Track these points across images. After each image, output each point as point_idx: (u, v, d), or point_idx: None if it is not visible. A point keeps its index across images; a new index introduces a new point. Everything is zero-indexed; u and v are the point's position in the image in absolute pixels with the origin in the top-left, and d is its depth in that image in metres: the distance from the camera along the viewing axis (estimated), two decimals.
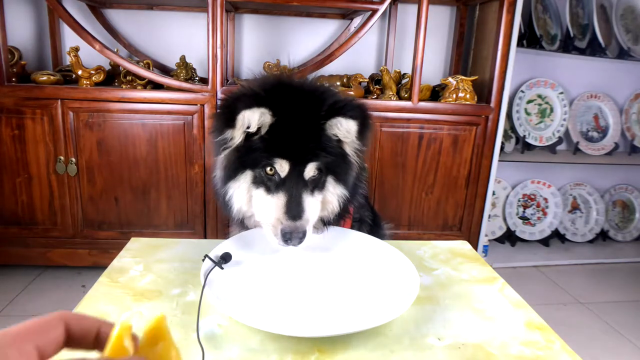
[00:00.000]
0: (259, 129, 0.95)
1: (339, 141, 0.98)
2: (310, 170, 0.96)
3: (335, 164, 0.98)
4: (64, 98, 1.90)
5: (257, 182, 0.97)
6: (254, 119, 0.91)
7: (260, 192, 0.97)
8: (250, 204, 1.00)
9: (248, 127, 0.93)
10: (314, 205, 0.97)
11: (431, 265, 0.95)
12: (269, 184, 0.96)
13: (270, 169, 0.95)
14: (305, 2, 1.97)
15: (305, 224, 0.93)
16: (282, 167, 0.94)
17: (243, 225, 1.09)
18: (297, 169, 0.94)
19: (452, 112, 2.08)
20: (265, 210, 0.96)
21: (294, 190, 0.94)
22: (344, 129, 0.94)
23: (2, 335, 0.28)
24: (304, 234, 0.92)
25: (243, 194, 0.99)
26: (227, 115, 0.93)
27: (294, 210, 0.92)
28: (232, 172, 0.98)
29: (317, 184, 0.98)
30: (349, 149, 1.00)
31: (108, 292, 0.79)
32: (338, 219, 1.10)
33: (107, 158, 1.98)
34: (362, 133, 0.97)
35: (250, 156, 0.95)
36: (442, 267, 0.94)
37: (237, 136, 0.95)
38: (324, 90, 1.04)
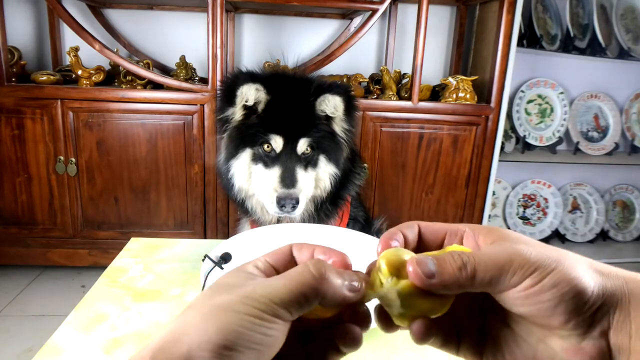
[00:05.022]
0: (256, 107, 1.06)
1: (328, 119, 1.09)
2: (302, 146, 1.07)
3: (325, 142, 1.10)
4: (63, 98, 1.90)
5: (256, 158, 1.09)
6: (250, 93, 1.03)
7: (258, 168, 1.09)
8: (250, 180, 1.11)
9: (246, 102, 1.05)
10: (307, 178, 1.09)
11: None
12: (266, 159, 1.08)
13: (267, 146, 1.07)
14: (305, 2, 1.97)
15: (298, 192, 1.05)
16: (277, 142, 1.06)
17: (244, 208, 1.19)
18: (290, 144, 1.06)
19: (452, 112, 2.08)
20: (263, 182, 1.08)
21: (288, 163, 1.06)
22: (332, 104, 1.06)
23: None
24: (297, 200, 1.04)
25: (244, 171, 1.11)
26: (227, 92, 1.06)
27: (287, 179, 1.05)
28: (233, 149, 1.10)
29: (310, 161, 1.09)
30: (337, 128, 1.11)
31: (108, 292, 0.79)
32: (335, 207, 1.17)
33: (107, 158, 1.98)
34: (348, 111, 1.09)
35: (249, 133, 1.07)
36: None
37: (237, 113, 1.07)
38: (312, 76, 1.19)
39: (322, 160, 1.12)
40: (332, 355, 0.32)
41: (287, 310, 0.28)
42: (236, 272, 0.31)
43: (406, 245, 0.35)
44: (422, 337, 0.32)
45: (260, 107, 1.06)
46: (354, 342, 0.32)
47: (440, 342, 0.34)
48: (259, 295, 0.28)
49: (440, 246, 0.35)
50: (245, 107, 1.07)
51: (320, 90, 1.06)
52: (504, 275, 0.29)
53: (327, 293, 0.29)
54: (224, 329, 0.26)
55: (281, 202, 1.03)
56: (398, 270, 0.31)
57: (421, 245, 0.35)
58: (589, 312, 0.29)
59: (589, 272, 0.30)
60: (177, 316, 0.28)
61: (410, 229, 0.35)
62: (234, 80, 1.05)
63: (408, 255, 0.32)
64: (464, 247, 0.33)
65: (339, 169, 1.14)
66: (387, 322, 0.33)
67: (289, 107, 1.06)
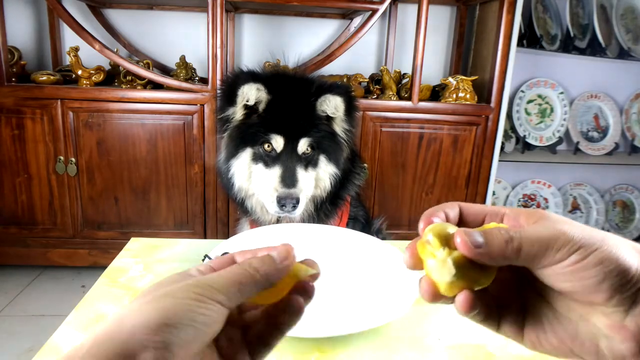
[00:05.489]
0: (257, 106, 1.07)
1: (329, 119, 1.09)
2: (302, 145, 1.07)
3: (326, 142, 1.10)
4: (63, 98, 1.90)
5: (256, 158, 1.09)
6: (251, 93, 1.03)
7: (259, 167, 1.09)
8: (250, 180, 1.12)
9: (247, 101, 1.05)
10: (307, 178, 1.09)
11: None
12: (267, 159, 1.08)
13: (268, 145, 1.07)
14: (305, 2, 1.97)
15: (298, 192, 1.05)
16: (278, 142, 1.06)
17: (244, 208, 1.19)
18: (291, 144, 1.06)
19: (452, 112, 2.08)
20: (264, 182, 1.08)
21: (288, 163, 1.06)
22: (332, 104, 1.06)
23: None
24: (297, 200, 1.04)
25: (244, 170, 1.11)
26: (227, 92, 1.06)
27: (287, 179, 1.05)
28: (233, 149, 1.11)
29: (310, 161, 1.10)
30: (338, 128, 1.11)
31: (108, 292, 0.79)
32: (334, 207, 1.17)
33: (107, 158, 1.98)
34: (349, 111, 1.10)
35: (250, 132, 1.08)
36: None
37: (237, 112, 1.08)
38: (313, 76, 1.20)
39: (323, 160, 1.12)
40: (274, 336, 0.35)
41: (225, 295, 0.30)
42: (177, 274, 0.33)
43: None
44: (467, 308, 0.33)
45: (261, 107, 1.07)
46: (298, 311, 0.35)
47: (481, 317, 0.35)
48: (199, 282, 0.31)
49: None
50: (246, 106, 1.07)
51: (321, 90, 1.06)
52: (549, 250, 0.31)
53: (262, 278, 0.32)
54: (165, 309, 0.28)
55: (282, 202, 1.04)
56: (446, 242, 0.33)
57: (461, 226, 0.36)
58: (631, 290, 0.30)
59: (632, 252, 0.31)
60: (119, 309, 0.30)
61: (452, 208, 0.37)
62: (235, 79, 1.06)
63: (453, 229, 0.33)
64: (503, 224, 0.35)
65: (339, 169, 1.14)
66: (434, 293, 0.34)
67: (289, 106, 1.06)
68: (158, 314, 0.28)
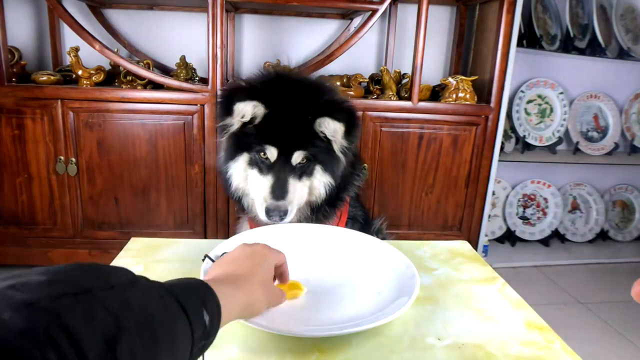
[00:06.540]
0: (253, 118, 1.07)
1: (327, 138, 1.08)
2: (296, 158, 1.07)
3: (322, 154, 1.10)
4: (64, 98, 1.90)
5: (252, 163, 1.11)
6: (247, 110, 1.04)
7: (254, 172, 1.11)
8: (247, 182, 1.14)
9: (243, 117, 1.06)
10: (299, 188, 1.10)
11: (431, 265, 0.95)
12: (262, 165, 1.09)
13: (263, 154, 1.08)
14: (305, 2, 1.97)
15: (287, 204, 1.06)
16: (271, 153, 1.07)
17: (241, 204, 1.21)
18: (284, 155, 1.07)
19: (452, 112, 2.08)
20: (257, 188, 1.10)
21: (281, 173, 1.07)
22: (331, 129, 1.05)
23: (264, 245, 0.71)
24: (285, 212, 1.06)
25: (240, 173, 1.13)
26: (224, 105, 1.06)
27: (277, 191, 1.06)
28: (231, 153, 1.13)
29: (305, 170, 1.10)
30: (336, 147, 1.10)
31: None
32: (333, 208, 1.18)
33: (107, 158, 1.98)
34: (349, 134, 1.08)
35: (245, 141, 1.09)
36: (442, 267, 0.95)
37: (234, 124, 1.09)
38: (319, 87, 1.16)
39: (318, 171, 1.11)
40: None
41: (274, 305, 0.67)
42: (265, 257, 0.68)
43: None
44: None
45: (257, 120, 1.06)
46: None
47: None
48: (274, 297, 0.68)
49: None
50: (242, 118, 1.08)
51: (320, 110, 1.03)
52: None
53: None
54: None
55: (270, 213, 1.06)
56: None
57: None
58: None
59: None
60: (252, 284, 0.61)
61: None
62: (231, 95, 1.04)
63: None
64: None
65: (335, 178, 1.13)
66: None
67: (286, 120, 1.05)
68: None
